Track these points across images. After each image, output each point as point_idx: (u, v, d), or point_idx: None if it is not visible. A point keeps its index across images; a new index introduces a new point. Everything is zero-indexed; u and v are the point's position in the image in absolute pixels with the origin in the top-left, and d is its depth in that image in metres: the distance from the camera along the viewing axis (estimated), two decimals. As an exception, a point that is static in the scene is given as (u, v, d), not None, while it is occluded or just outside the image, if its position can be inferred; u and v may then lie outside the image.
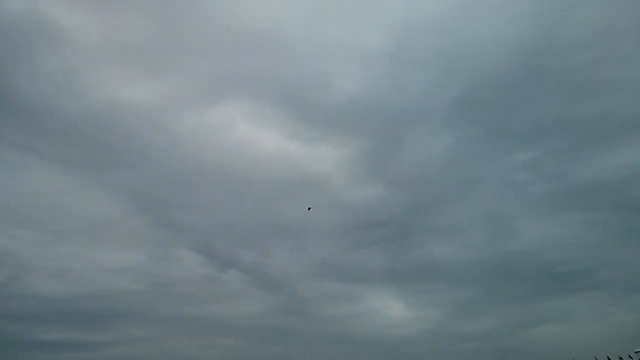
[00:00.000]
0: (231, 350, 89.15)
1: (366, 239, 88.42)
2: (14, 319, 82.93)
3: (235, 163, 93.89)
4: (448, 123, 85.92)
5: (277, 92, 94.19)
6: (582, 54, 79.21)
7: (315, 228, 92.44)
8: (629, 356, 54.80)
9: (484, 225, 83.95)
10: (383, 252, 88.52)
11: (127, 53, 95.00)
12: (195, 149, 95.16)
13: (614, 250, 78.38)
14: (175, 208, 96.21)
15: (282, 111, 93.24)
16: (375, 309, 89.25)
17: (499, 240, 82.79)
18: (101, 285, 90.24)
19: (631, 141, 78.61)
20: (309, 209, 78.75)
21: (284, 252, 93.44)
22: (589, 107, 79.91)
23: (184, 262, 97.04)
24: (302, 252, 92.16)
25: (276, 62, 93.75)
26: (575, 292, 79.78)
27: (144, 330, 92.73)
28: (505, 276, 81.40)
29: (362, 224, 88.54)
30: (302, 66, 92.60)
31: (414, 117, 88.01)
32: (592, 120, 79.83)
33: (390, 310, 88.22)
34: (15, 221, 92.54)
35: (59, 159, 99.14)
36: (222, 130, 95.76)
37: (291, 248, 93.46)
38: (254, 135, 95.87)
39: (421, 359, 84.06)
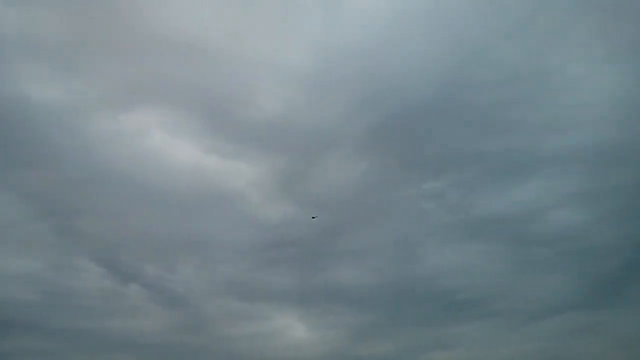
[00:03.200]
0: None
1: (275, 258, 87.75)
2: None
3: (147, 172, 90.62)
4: (364, 148, 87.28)
5: (196, 103, 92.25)
6: (493, 94, 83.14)
7: (224, 245, 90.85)
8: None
9: (389, 250, 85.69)
10: (291, 272, 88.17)
11: (41, 49, 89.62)
12: (105, 154, 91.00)
13: (510, 281, 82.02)
14: (79, 215, 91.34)
15: (201, 123, 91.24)
16: (278, 329, 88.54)
17: (403, 265, 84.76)
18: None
19: (532, 179, 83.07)
20: (313, 217, 79.41)
21: (190, 268, 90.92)
22: (495, 144, 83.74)
23: (83, 273, 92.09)
24: (209, 268, 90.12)
25: (199, 72, 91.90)
26: (473, 320, 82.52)
27: (37, 342, 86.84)
28: (407, 301, 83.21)
29: (272, 243, 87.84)
30: (224, 79, 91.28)
31: (331, 140, 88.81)
32: (498, 157, 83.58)
33: (294, 331, 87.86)
34: None
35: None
36: (136, 137, 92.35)
37: (198, 264, 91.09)
38: (169, 145, 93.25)
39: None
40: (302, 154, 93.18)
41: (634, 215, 78.93)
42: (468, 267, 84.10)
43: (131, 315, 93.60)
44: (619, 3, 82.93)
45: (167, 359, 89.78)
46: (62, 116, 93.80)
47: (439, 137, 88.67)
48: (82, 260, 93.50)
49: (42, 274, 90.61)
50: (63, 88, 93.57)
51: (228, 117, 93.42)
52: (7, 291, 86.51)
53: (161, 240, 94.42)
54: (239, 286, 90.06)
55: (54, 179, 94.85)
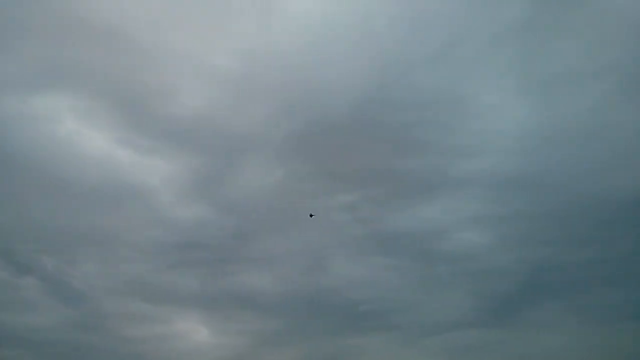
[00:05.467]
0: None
1: (183, 259, 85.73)
2: None
3: (54, 160, 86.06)
4: (282, 156, 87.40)
5: (115, 93, 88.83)
6: (409, 115, 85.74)
7: (131, 242, 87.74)
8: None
9: (299, 259, 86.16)
10: (198, 275, 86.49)
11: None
12: (9, 137, 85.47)
13: (412, 295, 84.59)
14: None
15: (117, 114, 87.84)
16: (180, 332, 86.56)
17: (311, 275, 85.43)
18: None
19: (440, 199, 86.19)
20: (310, 215, 77.51)
21: (92, 264, 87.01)
22: (408, 163, 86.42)
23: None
24: (112, 266, 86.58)
25: (120, 62, 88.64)
26: (374, 332, 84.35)
27: None
28: (312, 310, 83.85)
29: (181, 244, 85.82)
30: (147, 72, 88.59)
31: (251, 144, 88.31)
32: (410, 176, 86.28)
33: (196, 335, 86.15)
34: None
35: None
36: (44, 122, 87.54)
37: (101, 260, 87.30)
38: (81, 134, 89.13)
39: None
40: (220, 155, 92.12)
41: (529, 241, 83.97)
42: (374, 280, 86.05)
43: (25, 310, 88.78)
44: (533, 40, 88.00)
45: (61, 357, 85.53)
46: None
47: (355, 152, 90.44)
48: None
49: None
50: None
51: (147, 111, 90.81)
52: None
53: (64, 232, 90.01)
54: (143, 286, 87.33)
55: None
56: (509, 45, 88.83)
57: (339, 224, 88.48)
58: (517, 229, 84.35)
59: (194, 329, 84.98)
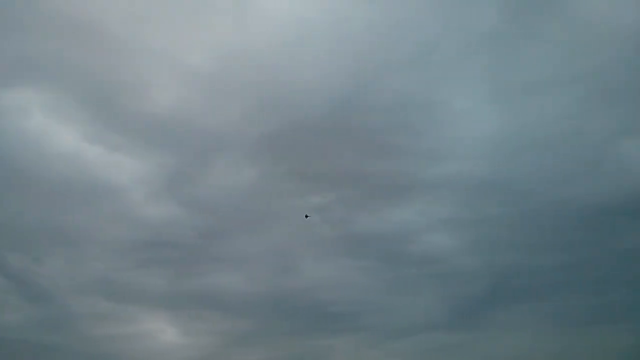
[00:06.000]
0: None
1: (151, 258, 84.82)
2: None
3: (22, 155, 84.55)
4: (255, 156, 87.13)
5: (85, 88, 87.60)
6: (382, 119, 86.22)
7: (99, 240, 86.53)
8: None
9: (269, 259, 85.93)
10: (166, 275, 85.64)
11: None
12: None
13: (381, 297, 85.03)
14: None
15: (88, 110, 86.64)
16: (147, 332, 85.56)
17: (281, 275, 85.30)
18: None
19: (410, 203, 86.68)
20: (306, 216, 77.25)
21: (59, 262, 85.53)
22: (380, 166, 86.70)
23: None
24: (80, 264, 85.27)
25: (92, 57, 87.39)
26: (342, 333, 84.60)
27: None
28: (282, 311, 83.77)
29: (150, 243, 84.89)
30: (119, 67, 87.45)
31: (223, 144, 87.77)
32: (381, 179, 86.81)
33: (163, 335, 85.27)
34: None
35: None
36: (12, 115, 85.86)
37: (68, 258, 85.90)
38: (50, 129, 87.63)
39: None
40: (192, 154, 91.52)
41: (497, 245, 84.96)
42: (343, 281, 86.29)
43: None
44: (506, 47, 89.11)
45: (27, 356, 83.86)
46: None
47: (328, 154, 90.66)
48: None
49: None
50: None
51: (118, 108, 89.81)
52: None
53: (30, 229, 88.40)
54: (110, 285, 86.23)
55: None
56: (483, 52, 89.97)
57: (310, 225, 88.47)
58: (486, 233, 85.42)
59: (162, 329, 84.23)
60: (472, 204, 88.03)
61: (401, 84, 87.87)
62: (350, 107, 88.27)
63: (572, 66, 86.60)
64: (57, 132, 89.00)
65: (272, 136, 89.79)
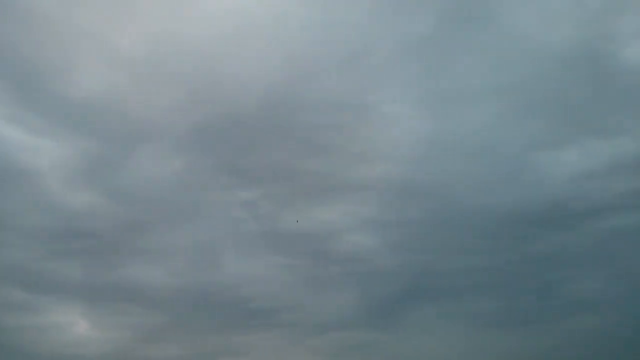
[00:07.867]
0: None
1: (68, 248, 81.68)
2: None
3: None
4: (183, 147, 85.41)
5: (5, 66, 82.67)
6: (315, 118, 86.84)
7: (14, 227, 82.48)
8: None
9: (192, 253, 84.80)
10: (82, 265, 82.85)
11: None
12: None
13: (302, 294, 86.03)
14: None
15: (7, 89, 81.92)
16: (59, 324, 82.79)
17: (203, 270, 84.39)
18: None
19: (336, 202, 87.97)
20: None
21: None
22: (310, 164, 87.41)
23: None
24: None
25: (13, 32, 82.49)
26: (262, 329, 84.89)
27: None
28: (201, 306, 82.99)
29: (67, 232, 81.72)
30: (43, 46, 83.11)
31: (151, 133, 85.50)
32: (310, 177, 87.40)
33: (75, 327, 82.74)
34: None
35: None
36: None
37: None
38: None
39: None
40: (117, 142, 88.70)
41: (415, 247, 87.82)
42: (266, 278, 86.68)
43: None
44: (437, 55, 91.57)
45: None
46: None
47: (258, 149, 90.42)
48: None
49: None
50: None
51: (39, 89, 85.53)
52: None
53: None
54: (23, 273, 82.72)
55: None
56: (416, 58, 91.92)
57: (237, 221, 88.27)
58: (405, 235, 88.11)
59: (74, 321, 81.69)
60: (394, 205, 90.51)
61: (335, 85, 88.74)
62: (283, 104, 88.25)
63: (498, 77, 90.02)
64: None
65: (201, 128, 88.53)
